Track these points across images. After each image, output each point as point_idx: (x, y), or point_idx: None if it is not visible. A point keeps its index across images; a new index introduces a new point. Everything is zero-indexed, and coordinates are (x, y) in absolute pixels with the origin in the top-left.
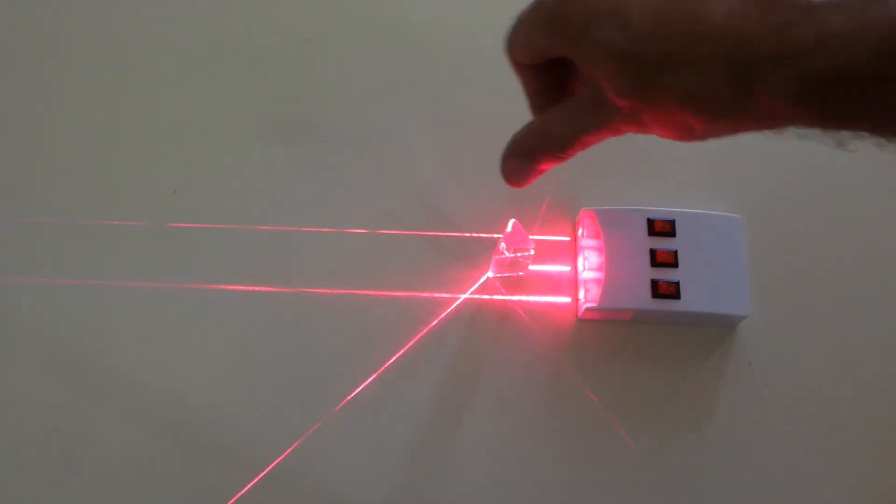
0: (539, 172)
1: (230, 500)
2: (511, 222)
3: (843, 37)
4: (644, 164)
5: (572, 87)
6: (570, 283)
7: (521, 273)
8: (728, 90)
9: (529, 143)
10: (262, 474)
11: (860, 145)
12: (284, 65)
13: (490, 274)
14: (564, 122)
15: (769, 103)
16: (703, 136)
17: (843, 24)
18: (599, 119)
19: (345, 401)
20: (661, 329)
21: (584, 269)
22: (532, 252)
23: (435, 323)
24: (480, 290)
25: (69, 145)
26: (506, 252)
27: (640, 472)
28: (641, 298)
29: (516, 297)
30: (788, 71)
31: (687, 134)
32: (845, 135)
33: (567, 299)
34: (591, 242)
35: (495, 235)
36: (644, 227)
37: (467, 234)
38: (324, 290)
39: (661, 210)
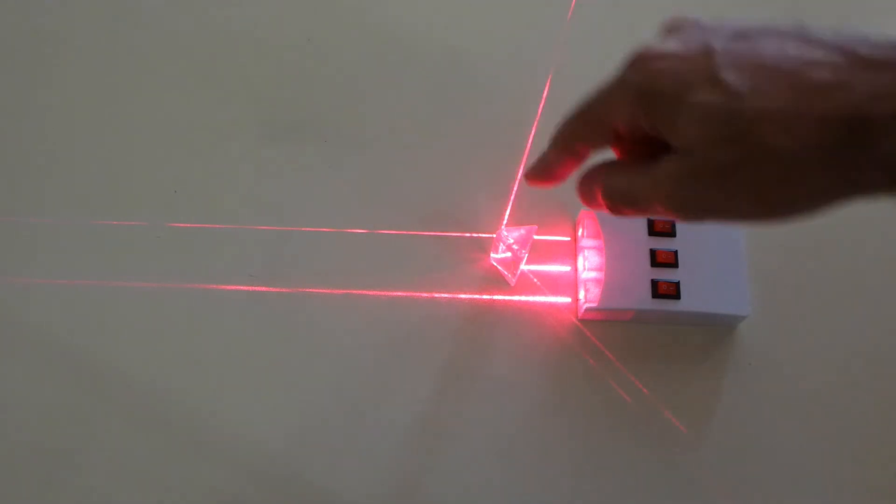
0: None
1: (229, 499)
2: (503, 229)
3: None
4: None
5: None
6: (570, 283)
7: (525, 256)
8: (844, 144)
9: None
10: (262, 474)
11: None
12: (284, 65)
13: (512, 283)
14: (647, 186)
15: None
16: (795, 211)
17: None
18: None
19: (344, 401)
20: (661, 329)
21: (584, 269)
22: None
23: (434, 323)
24: (480, 289)
25: (69, 145)
26: (497, 258)
27: (639, 473)
28: (641, 298)
29: (516, 297)
30: None
31: (771, 209)
32: None
33: (567, 299)
34: (591, 242)
35: (495, 236)
36: (644, 227)
37: (467, 234)
38: (324, 290)
39: None
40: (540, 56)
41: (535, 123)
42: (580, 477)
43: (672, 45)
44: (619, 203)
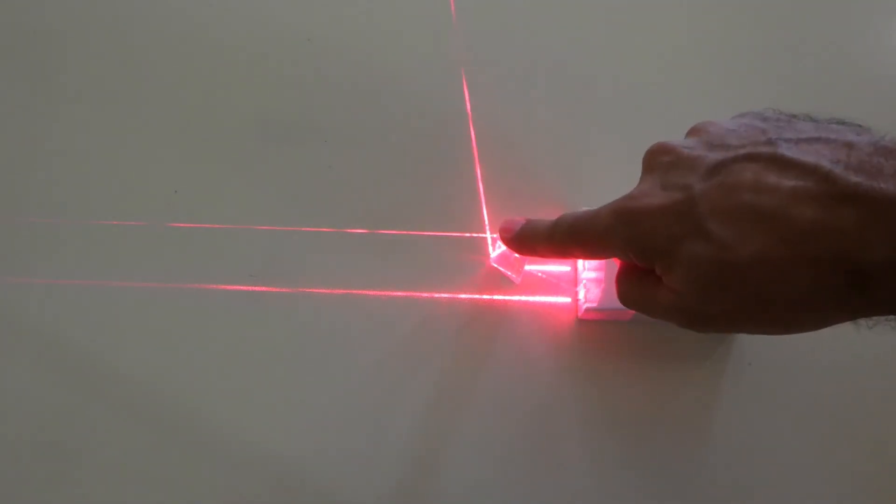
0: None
1: (229, 499)
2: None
3: None
4: None
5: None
6: (570, 283)
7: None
8: (841, 286)
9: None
10: (262, 474)
11: None
12: (284, 65)
13: (517, 281)
14: (657, 305)
15: (888, 302)
16: (797, 331)
17: None
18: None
19: (345, 401)
20: (661, 329)
21: (584, 268)
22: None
23: (434, 323)
24: (480, 289)
25: (69, 145)
26: (497, 258)
27: (639, 473)
28: None
29: (516, 297)
30: None
31: (771, 332)
32: None
33: (567, 299)
34: None
35: (494, 236)
36: None
37: (467, 235)
38: (324, 290)
39: None
40: (540, 55)
41: (536, 122)
42: (580, 477)
43: (655, 198)
44: (632, 308)
